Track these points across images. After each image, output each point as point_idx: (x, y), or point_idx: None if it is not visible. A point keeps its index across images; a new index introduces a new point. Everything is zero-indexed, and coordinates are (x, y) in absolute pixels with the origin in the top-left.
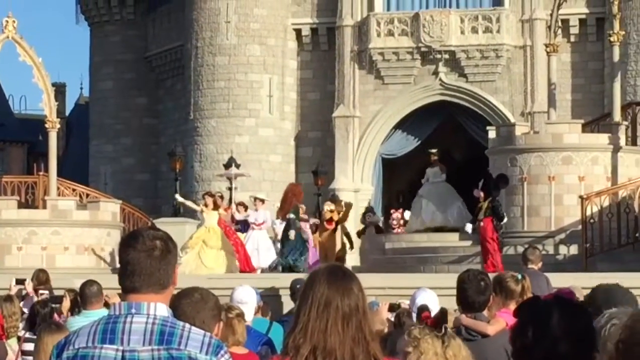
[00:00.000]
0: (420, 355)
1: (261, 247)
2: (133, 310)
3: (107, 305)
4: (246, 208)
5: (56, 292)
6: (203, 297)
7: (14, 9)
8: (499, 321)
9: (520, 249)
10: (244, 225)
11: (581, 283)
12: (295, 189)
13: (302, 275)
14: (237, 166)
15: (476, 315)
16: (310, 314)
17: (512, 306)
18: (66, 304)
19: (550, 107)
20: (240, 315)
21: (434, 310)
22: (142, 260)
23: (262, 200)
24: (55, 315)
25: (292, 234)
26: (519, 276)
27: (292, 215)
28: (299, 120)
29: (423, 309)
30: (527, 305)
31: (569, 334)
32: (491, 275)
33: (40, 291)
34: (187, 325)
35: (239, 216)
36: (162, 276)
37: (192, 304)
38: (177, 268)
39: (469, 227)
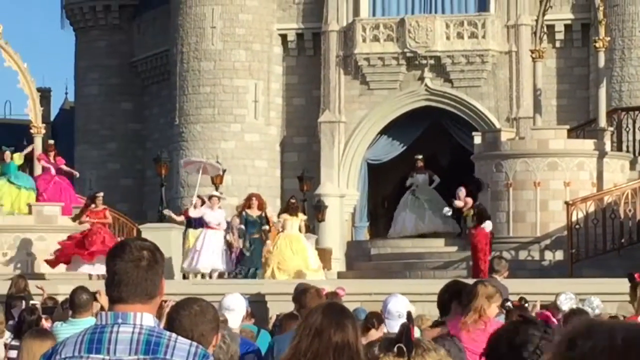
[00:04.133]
0: None
1: (218, 249)
2: (119, 320)
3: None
4: (203, 203)
5: (38, 299)
6: (202, 309)
7: None
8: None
9: (506, 255)
10: (198, 220)
11: (567, 289)
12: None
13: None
14: (223, 172)
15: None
16: (302, 339)
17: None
18: (57, 313)
19: (535, 113)
20: (224, 322)
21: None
22: (129, 270)
23: (219, 199)
24: (44, 323)
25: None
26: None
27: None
28: (284, 126)
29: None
30: (492, 336)
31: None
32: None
33: (32, 302)
34: (174, 335)
35: (193, 213)
36: (149, 286)
37: (190, 316)
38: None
39: (447, 211)
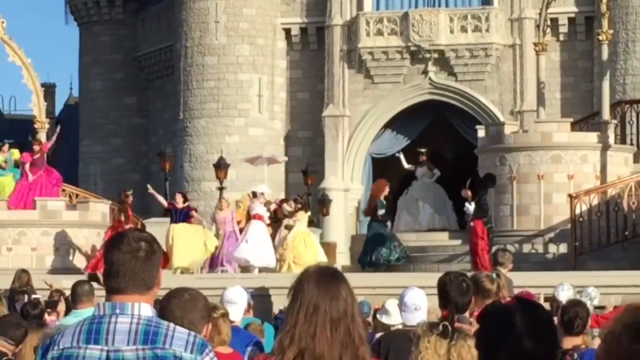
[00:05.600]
0: (419, 354)
1: (267, 243)
2: (117, 311)
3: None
4: (185, 199)
5: (42, 293)
6: (192, 298)
7: (2, 10)
8: None
9: (511, 248)
10: (180, 215)
11: (570, 281)
12: (379, 186)
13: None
14: (227, 166)
15: (459, 317)
16: (299, 317)
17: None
18: (62, 307)
19: (539, 106)
20: (225, 315)
21: (423, 309)
22: (126, 261)
23: (262, 194)
24: (47, 317)
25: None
26: (494, 275)
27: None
28: (288, 120)
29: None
30: (489, 309)
31: (531, 332)
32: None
33: (34, 295)
34: (172, 325)
35: (256, 208)
36: (146, 277)
37: (181, 305)
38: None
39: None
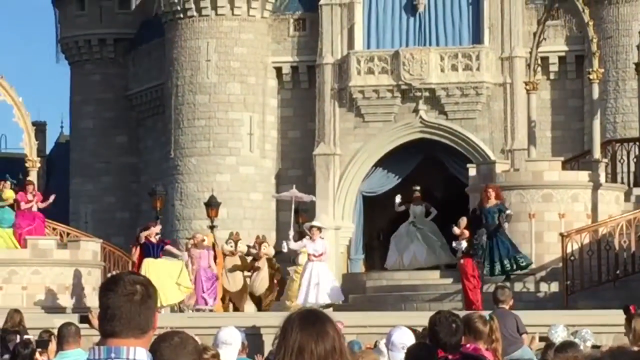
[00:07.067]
0: None
1: (323, 280)
2: (112, 355)
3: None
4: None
5: (33, 332)
6: (182, 341)
7: None
8: None
9: None
10: (156, 249)
11: (562, 321)
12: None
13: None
14: (218, 204)
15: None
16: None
17: (481, 346)
18: (52, 347)
19: (530, 145)
20: (216, 356)
21: None
22: (122, 304)
23: (320, 229)
24: (38, 357)
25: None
26: (487, 317)
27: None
28: (279, 158)
29: None
30: None
31: None
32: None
33: (25, 336)
34: None
35: (293, 245)
36: (142, 321)
37: (171, 348)
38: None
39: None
